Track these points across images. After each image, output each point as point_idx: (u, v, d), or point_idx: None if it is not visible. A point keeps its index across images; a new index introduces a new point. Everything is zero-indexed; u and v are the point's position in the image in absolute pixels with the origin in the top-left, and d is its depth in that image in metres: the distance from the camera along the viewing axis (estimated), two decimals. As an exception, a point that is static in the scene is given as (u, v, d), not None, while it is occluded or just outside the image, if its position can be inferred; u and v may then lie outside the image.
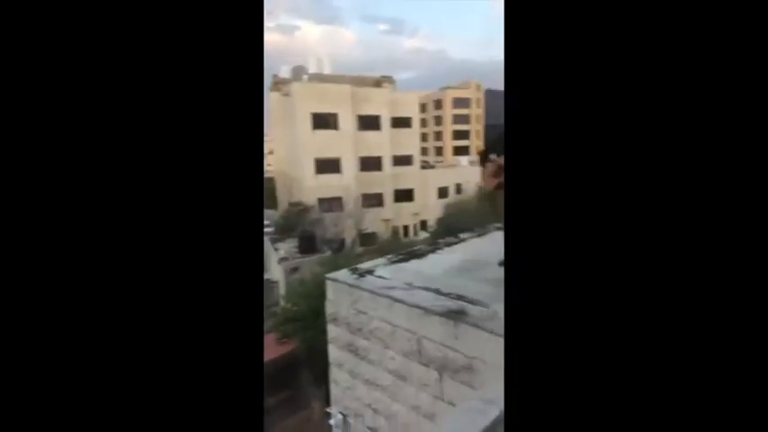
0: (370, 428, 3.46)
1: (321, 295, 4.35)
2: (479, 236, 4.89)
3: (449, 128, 39.83)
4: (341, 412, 3.78)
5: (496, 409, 1.49)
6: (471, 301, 2.84)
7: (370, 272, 3.76)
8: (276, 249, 15.74)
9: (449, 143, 39.81)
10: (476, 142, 39.34)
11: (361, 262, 4.24)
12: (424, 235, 21.75)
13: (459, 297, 2.94)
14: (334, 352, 3.85)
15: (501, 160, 3.53)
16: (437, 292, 3.10)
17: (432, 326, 2.79)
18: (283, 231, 17.88)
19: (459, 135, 39.75)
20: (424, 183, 25.47)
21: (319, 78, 25.62)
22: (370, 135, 22.59)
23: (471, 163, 28.01)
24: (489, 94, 41.81)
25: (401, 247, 7.27)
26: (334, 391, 3.90)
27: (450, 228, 5.59)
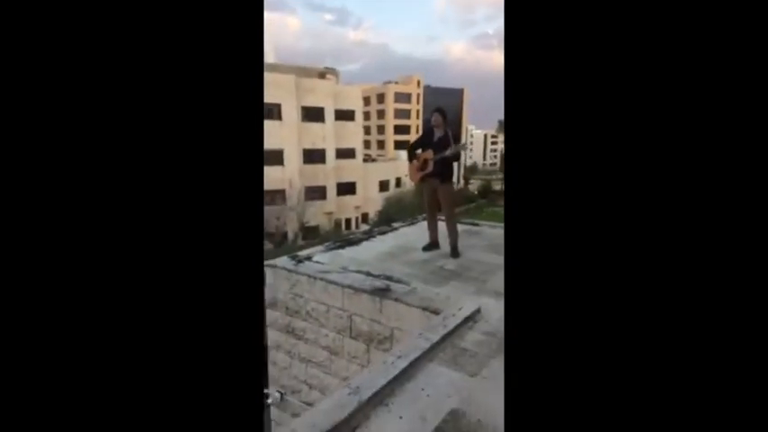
0: (304, 402, 3.73)
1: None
2: (410, 225, 5.32)
3: (391, 122, 40.57)
4: (278, 390, 4.00)
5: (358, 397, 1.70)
6: (396, 281, 3.21)
7: (308, 258, 4.01)
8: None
9: (391, 137, 40.57)
10: (416, 137, 40.34)
11: (303, 254, 4.47)
12: (365, 228, 22.12)
13: (387, 277, 3.30)
14: (272, 335, 4.06)
15: (427, 154, 3.95)
16: (368, 274, 3.44)
17: (361, 303, 3.12)
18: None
19: (401, 129, 40.66)
20: (367, 176, 25.84)
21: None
22: (314, 127, 22.45)
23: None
24: (427, 89, 43.18)
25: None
26: (273, 371, 4.11)
27: (389, 220, 5.96)
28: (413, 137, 38.94)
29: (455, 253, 3.94)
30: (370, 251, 4.23)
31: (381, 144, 41.46)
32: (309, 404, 3.72)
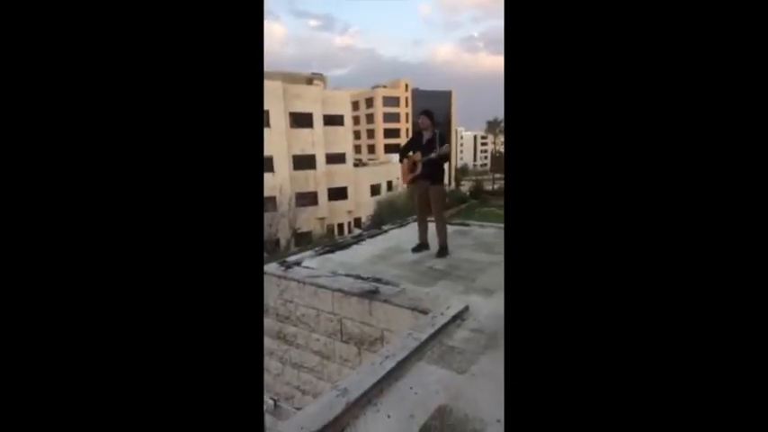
0: (297, 409, 3.71)
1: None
2: (399, 227, 5.34)
3: (380, 126, 40.70)
4: (271, 398, 3.98)
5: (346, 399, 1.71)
6: (385, 283, 3.22)
7: (297, 263, 4.00)
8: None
9: (381, 141, 40.68)
10: (405, 140, 40.56)
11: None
12: (357, 232, 22.11)
13: (376, 280, 3.31)
14: (264, 342, 4.04)
15: (416, 157, 3.98)
16: (357, 277, 3.44)
17: (350, 306, 3.12)
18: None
19: (390, 133, 40.80)
20: (357, 180, 25.86)
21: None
22: (303, 133, 22.45)
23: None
24: (415, 93, 43.46)
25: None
26: (266, 378, 4.09)
27: (382, 223, 5.98)
28: (403, 140, 39.12)
29: (443, 252, 3.97)
30: (360, 254, 4.23)
31: (372, 148, 41.57)
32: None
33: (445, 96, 48.37)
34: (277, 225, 19.36)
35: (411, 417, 1.68)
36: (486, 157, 76.55)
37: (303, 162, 22.63)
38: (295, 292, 3.60)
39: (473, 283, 3.24)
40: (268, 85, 20.56)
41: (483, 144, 77.96)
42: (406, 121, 41.61)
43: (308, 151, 22.83)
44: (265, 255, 14.61)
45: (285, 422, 1.69)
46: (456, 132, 54.92)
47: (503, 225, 5.23)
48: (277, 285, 3.75)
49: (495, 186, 42.74)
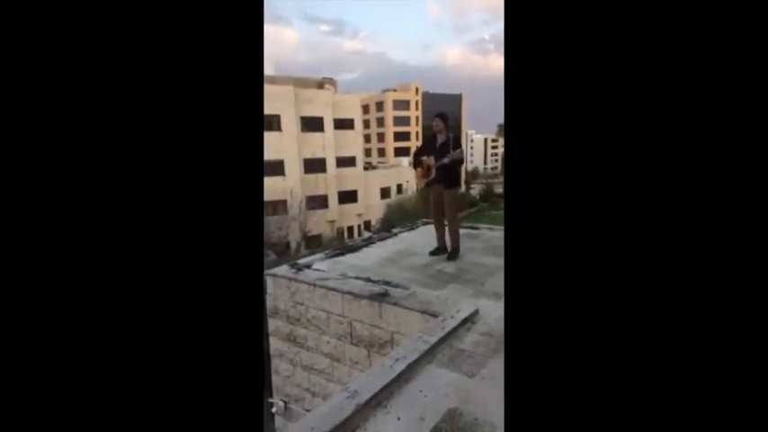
0: (308, 410, 3.73)
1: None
2: (409, 230, 5.35)
3: (391, 129, 40.78)
4: (282, 400, 4.01)
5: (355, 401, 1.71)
6: (395, 285, 3.23)
7: (308, 266, 4.03)
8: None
9: (391, 144, 40.75)
10: (416, 143, 40.56)
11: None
12: (367, 235, 22.14)
13: (386, 283, 3.32)
14: (275, 343, 4.07)
15: (430, 161, 4.00)
16: (367, 279, 3.46)
17: (360, 309, 3.14)
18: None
19: (401, 136, 40.87)
20: (367, 184, 25.93)
21: (260, 79, 25.14)
22: (314, 136, 22.62)
23: (411, 164, 29.00)
24: (425, 96, 43.50)
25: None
26: (276, 380, 4.12)
27: (392, 226, 6.01)
28: (413, 143, 39.23)
29: (455, 254, 3.97)
30: (370, 257, 4.25)
31: (382, 151, 41.64)
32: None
33: (455, 99, 48.30)
34: (287, 228, 19.48)
35: (421, 419, 1.69)
36: (496, 160, 76.18)
37: (314, 165, 22.78)
38: (305, 295, 3.63)
39: (483, 287, 3.23)
40: (279, 90, 20.81)
41: (494, 147, 77.59)
42: (417, 125, 41.62)
43: (319, 155, 22.98)
44: (276, 257, 14.71)
45: (295, 423, 1.71)
46: (466, 135, 54.73)
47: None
48: (287, 288, 3.79)
49: (506, 189, 42.29)
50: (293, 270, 3.91)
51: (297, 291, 3.71)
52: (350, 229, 24.83)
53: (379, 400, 1.79)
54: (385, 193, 26.93)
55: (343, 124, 24.18)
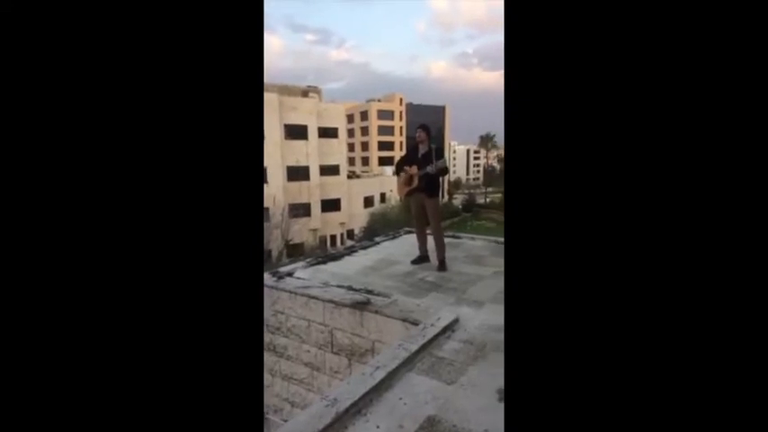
0: (286, 421, 3.67)
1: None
2: (392, 239, 5.37)
3: (375, 138, 41.02)
4: (261, 410, 3.93)
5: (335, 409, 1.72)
6: (377, 294, 3.24)
7: (289, 274, 3.99)
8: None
9: (375, 153, 40.97)
10: (399, 153, 40.86)
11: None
12: (350, 243, 22.09)
13: (368, 291, 3.32)
14: (254, 353, 4.01)
15: (413, 170, 4.04)
16: (349, 288, 3.45)
17: (342, 317, 3.13)
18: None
19: (384, 146, 41.14)
20: (351, 192, 25.94)
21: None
22: (298, 144, 22.56)
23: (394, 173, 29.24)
24: (410, 107, 44.03)
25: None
26: (255, 390, 4.04)
27: (375, 235, 6.02)
28: (396, 153, 39.44)
29: (442, 267, 3.99)
30: (352, 265, 4.24)
31: (366, 160, 41.78)
32: (292, 422, 3.67)
33: (439, 111, 48.93)
34: (269, 236, 19.27)
35: (400, 427, 1.69)
36: (478, 171, 77.23)
37: (297, 173, 22.70)
38: (286, 303, 3.59)
39: (464, 295, 3.27)
40: (264, 97, 20.69)
41: (476, 158, 78.69)
42: (400, 135, 41.99)
43: (303, 163, 22.93)
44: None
45: (274, 432, 1.69)
46: (449, 146, 55.45)
47: (493, 238, 5.30)
48: (269, 296, 3.74)
49: (488, 200, 43.08)
50: (274, 278, 3.87)
51: (278, 299, 3.67)
52: (332, 237, 24.71)
53: (358, 408, 1.79)
54: (368, 201, 26.99)
55: (328, 133, 24.22)
